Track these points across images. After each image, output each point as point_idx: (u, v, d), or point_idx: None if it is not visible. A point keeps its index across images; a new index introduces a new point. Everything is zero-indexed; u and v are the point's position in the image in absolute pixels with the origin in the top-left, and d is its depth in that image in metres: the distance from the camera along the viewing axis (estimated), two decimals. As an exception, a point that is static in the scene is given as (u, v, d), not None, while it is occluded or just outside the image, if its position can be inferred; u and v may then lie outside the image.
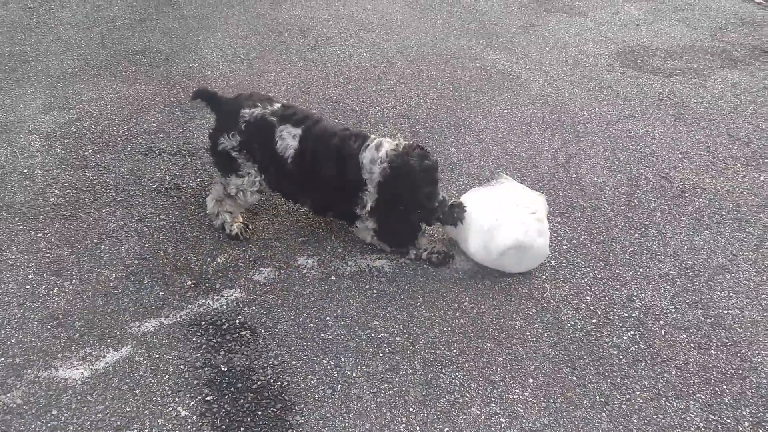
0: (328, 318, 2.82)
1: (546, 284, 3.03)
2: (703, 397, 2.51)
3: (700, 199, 3.63)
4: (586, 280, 3.06)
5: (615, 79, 4.99)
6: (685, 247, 3.28)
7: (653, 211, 3.53)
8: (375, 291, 2.96)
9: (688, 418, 2.43)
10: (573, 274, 3.09)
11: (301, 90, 4.70)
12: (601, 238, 3.33)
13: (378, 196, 2.97)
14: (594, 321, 2.84)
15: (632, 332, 2.79)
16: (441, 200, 3.03)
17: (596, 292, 2.99)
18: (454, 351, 2.68)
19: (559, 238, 3.32)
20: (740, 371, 2.63)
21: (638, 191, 3.66)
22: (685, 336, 2.78)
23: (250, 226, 3.28)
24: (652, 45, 5.62)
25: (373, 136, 3.04)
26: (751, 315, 2.89)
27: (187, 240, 3.24)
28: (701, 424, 2.41)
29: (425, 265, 3.11)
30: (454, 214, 3.02)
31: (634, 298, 2.96)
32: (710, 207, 3.57)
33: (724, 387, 2.56)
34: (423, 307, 2.89)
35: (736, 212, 3.53)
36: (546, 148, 4.07)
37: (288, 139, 3.00)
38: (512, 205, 3.03)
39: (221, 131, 3.09)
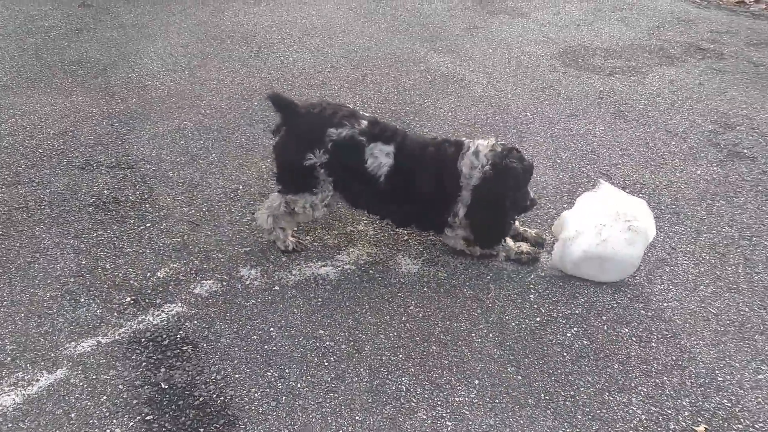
0: (271, 329, 2.77)
1: (491, 285, 3.04)
2: (645, 390, 2.55)
3: (640, 195, 3.69)
4: (530, 278, 3.08)
5: (557, 79, 5.07)
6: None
7: (595, 207, 3.58)
8: (320, 299, 2.93)
9: (630, 411, 2.46)
10: (517, 273, 3.11)
11: (244, 97, 4.64)
12: (545, 236, 3.35)
13: (471, 200, 2.98)
14: (538, 319, 2.86)
15: (576, 329, 2.82)
16: (533, 199, 3.11)
17: (540, 291, 3.01)
18: (400, 356, 2.66)
19: (503, 238, 3.33)
20: (680, 362, 2.67)
21: (580, 189, 3.71)
22: (627, 330, 2.82)
23: (301, 239, 3.25)
24: (592, 44, 5.73)
25: (466, 140, 3.02)
26: (690, 306, 2.95)
27: (126, 255, 3.16)
28: (643, 417, 2.44)
29: (515, 264, 3.17)
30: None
31: (577, 294, 3.00)
32: (650, 202, 3.62)
33: (665, 378, 2.60)
34: (369, 313, 2.87)
35: (674, 206, 3.61)
36: (490, 149, 4.08)
37: (381, 158, 2.95)
38: (612, 214, 2.99)
39: (306, 147, 2.95)
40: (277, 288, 2.99)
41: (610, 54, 5.54)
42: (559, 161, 4.00)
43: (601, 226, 2.98)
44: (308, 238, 3.30)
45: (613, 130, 4.37)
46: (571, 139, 4.25)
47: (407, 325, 2.81)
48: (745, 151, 4.15)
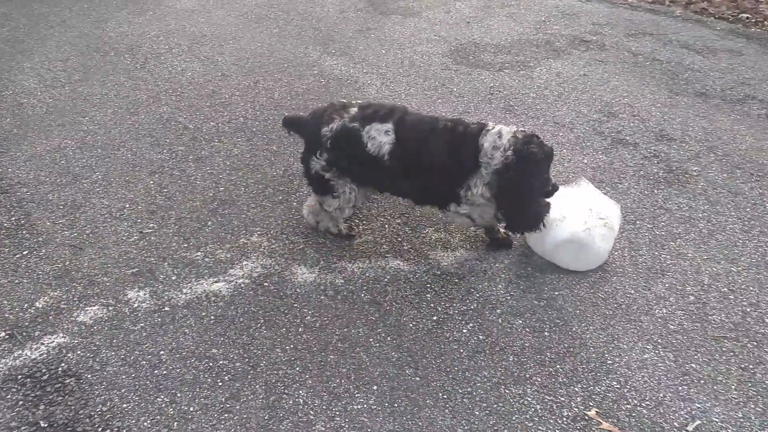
0: (162, 352, 2.66)
1: (388, 287, 3.03)
2: (539, 380, 2.60)
3: (531, 187, 3.78)
4: (426, 278, 3.09)
5: (449, 77, 5.13)
6: (518, 234, 3.40)
7: (488, 202, 3.64)
8: (212, 317, 2.83)
9: (525, 403, 2.50)
10: (414, 274, 3.11)
11: (129, 111, 4.45)
12: (439, 234, 3.38)
13: (498, 187, 2.88)
14: (435, 318, 2.87)
15: (471, 324, 2.84)
16: (554, 184, 3.05)
17: (436, 289, 3.03)
18: (297, 369, 2.61)
19: (399, 238, 3.33)
20: (572, 349, 2.74)
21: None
22: (520, 321, 2.87)
23: (353, 226, 3.36)
24: (482, 41, 5.84)
25: (490, 123, 2.99)
26: (580, 293, 3.04)
27: (1, 286, 2.95)
28: (538, 407, 2.48)
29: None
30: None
31: (473, 290, 3.03)
32: (540, 193, 3.73)
33: (558, 367, 2.66)
34: (264, 327, 2.80)
35: (563, 196, 3.71)
36: (385, 150, 4.08)
37: (380, 137, 2.92)
38: (585, 208, 3.12)
39: (309, 153, 3.06)
40: (167, 309, 2.87)
41: (500, 50, 5.66)
42: (452, 158, 4.04)
43: (589, 213, 3.10)
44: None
45: (503, 124, 4.43)
46: (464, 135, 4.29)
47: (304, 336, 2.76)
48: (628, 137, 4.32)
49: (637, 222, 3.50)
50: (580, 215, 3.11)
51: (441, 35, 5.94)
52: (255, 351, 2.68)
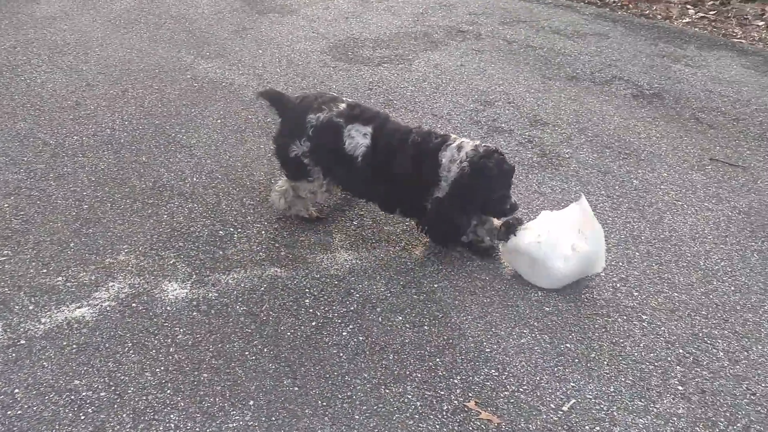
0: (16, 391, 2.45)
1: (264, 296, 2.93)
2: (419, 375, 2.58)
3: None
4: (305, 283, 3.02)
5: (328, 74, 5.06)
6: (398, 229, 3.38)
7: (368, 199, 3.60)
8: (74, 346, 2.65)
9: (406, 400, 2.47)
10: (292, 280, 3.03)
11: (-19, 130, 4.12)
12: (318, 236, 3.31)
13: (449, 191, 2.96)
14: (314, 323, 2.80)
15: (351, 326, 2.79)
16: (513, 204, 3.04)
17: (315, 294, 2.96)
18: (168, 391, 2.47)
19: (277, 244, 3.24)
20: (451, 341, 2.74)
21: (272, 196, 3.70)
22: (400, 318, 2.85)
23: (322, 209, 3.40)
24: (361, 36, 5.80)
25: (454, 136, 3.06)
26: (459, 283, 3.05)
27: None
28: (418, 403, 2.46)
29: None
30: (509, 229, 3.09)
31: (352, 291, 2.98)
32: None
33: (437, 360, 2.65)
34: (132, 351, 2.64)
35: (441, 187, 3.72)
36: (261, 154, 3.98)
37: (358, 138, 3.01)
38: (571, 228, 2.97)
39: (290, 137, 3.11)
40: (23, 342, 2.66)
41: (379, 44, 5.65)
42: (332, 157, 3.97)
43: (548, 231, 2.98)
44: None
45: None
46: (343, 133, 4.24)
47: (175, 356, 2.63)
48: (503, 125, 4.40)
49: (513, 208, 3.55)
50: (539, 228, 3.02)
51: (319, 32, 5.87)
52: (122, 378, 2.52)
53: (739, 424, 2.44)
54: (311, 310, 2.87)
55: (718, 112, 4.72)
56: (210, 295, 2.93)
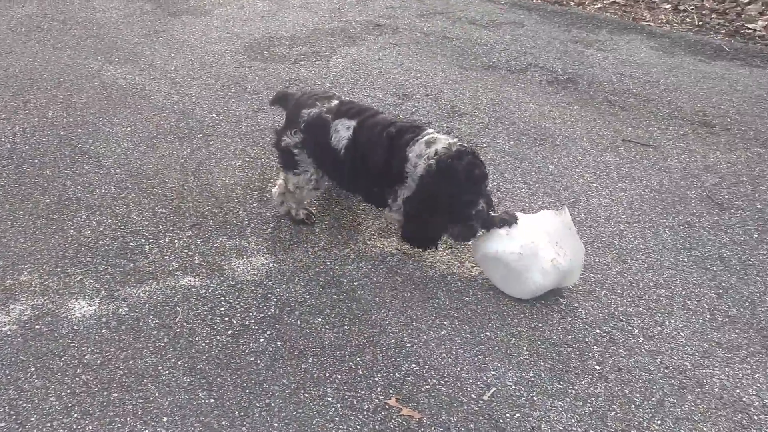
0: None
1: (178, 307, 2.83)
2: (339, 377, 2.54)
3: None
4: (220, 290, 2.93)
5: (243, 75, 4.95)
6: (317, 229, 3.33)
7: (285, 200, 3.53)
8: (-29, 376, 2.49)
9: (326, 403, 2.43)
10: (206, 288, 2.94)
11: None
12: (234, 242, 3.22)
13: (416, 189, 2.87)
14: (230, 332, 2.72)
15: (269, 332, 2.73)
16: (479, 210, 2.84)
17: (231, 301, 2.88)
18: (75, 415, 2.36)
19: (190, 252, 3.14)
20: (371, 338, 2.71)
21: (270, 184, 3.63)
22: (320, 319, 2.79)
23: (314, 213, 3.38)
24: (277, 34, 5.71)
25: (430, 130, 2.96)
26: (379, 279, 3.02)
27: None
28: (338, 405, 2.42)
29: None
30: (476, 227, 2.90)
31: (269, 295, 2.91)
32: (337, 184, 3.68)
33: (358, 359, 2.61)
34: (35, 377, 2.50)
35: (359, 183, 3.68)
36: (174, 160, 3.85)
37: (342, 131, 3.03)
38: (548, 240, 2.86)
39: (285, 129, 3.21)
40: None
41: (295, 42, 5.56)
42: (248, 159, 3.89)
43: (531, 242, 2.85)
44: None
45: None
46: (259, 134, 4.16)
47: (83, 377, 2.50)
48: (422, 117, 4.39)
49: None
50: (523, 238, 2.87)
51: (234, 32, 5.74)
52: (24, 405, 2.39)
53: (653, 399, 2.49)
54: (227, 319, 2.79)
55: (629, 93, 4.84)
56: (120, 310, 2.81)
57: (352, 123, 3.04)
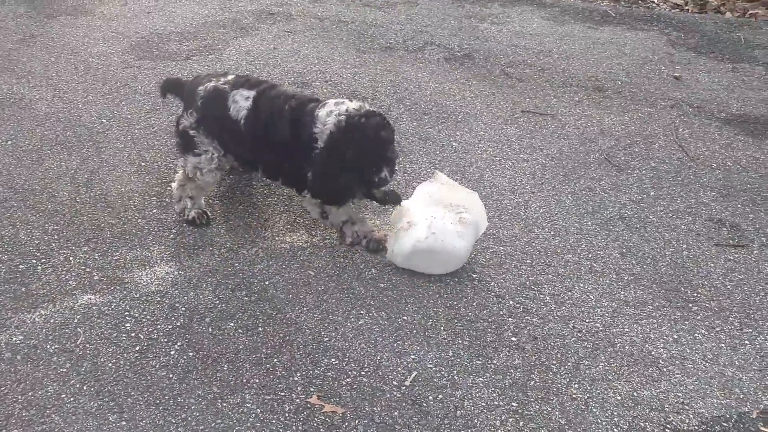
0: None
1: (79, 328, 2.67)
2: (257, 381, 2.46)
3: (230, 177, 3.60)
4: (124, 305, 2.78)
5: (132, 75, 4.72)
6: (221, 230, 3.21)
7: (187, 203, 3.38)
8: None
9: (245, 410, 2.35)
10: (108, 305, 2.78)
11: None
12: (134, 252, 3.06)
13: (325, 143, 2.81)
14: (137, 348, 2.59)
15: (179, 343, 2.61)
16: (383, 177, 2.79)
17: (136, 315, 2.74)
18: (-29, 460, 2.18)
19: (88, 268, 2.96)
20: (287, 337, 2.65)
21: (169, 188, 3.46)
22: (232, 324, 2.70)
23: (209, 213, 3.22)
24: (165, 30, 5.47)
25: (332, 100, 2.93)
26: (291, 276, 2.95)
27: None
28: (258, 411, 2.35)
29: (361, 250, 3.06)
30: (389, 197, 2.89)
31: (176, 305, 2.79)
32: (240, 181, 3.57)
33: (275, 360, 2.54)
34: None
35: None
36: (63, 172, 3.62)
37: (241, 102, 2.98)
38: (445, 205, 2.89)
39: (183, 112, 3.13)
40: None
41: (186, 36, 5.35)
42: (144, 164, 3.71)
43: (432, 218, 2.84)
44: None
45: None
46: (154, 137, 3.97)
47: (-22, 417, 2.32)
48: (322, 105, 4.30)
49: (339, 188, 3.49)
50: (425, 221, 2.87)
51: (119, 31, 5.45)
52: None
53: (569, 363, 2.55)
54: (133, 334, 2.65)
55: (525, 65, 4.93)
56: (14, 339, 2.62)
57: (251, 93, 3.01)
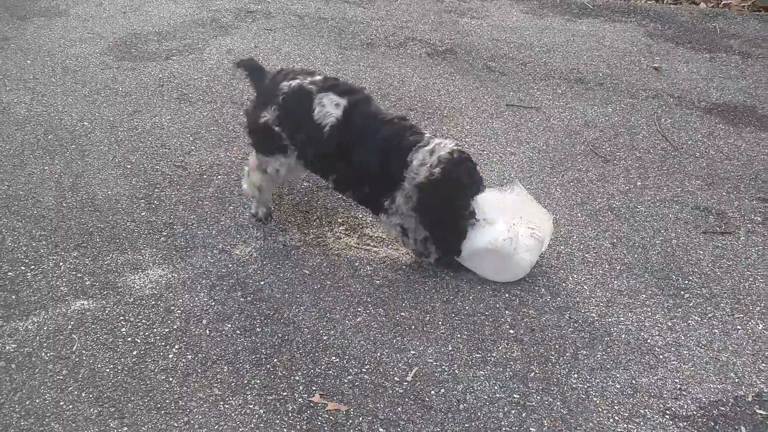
0: None
1: (73, 335, 2.63)
2: (258, 381, 2.45)
3: (219, 176, 3.57)
4: (118, 310, 2.75)
5: (111, 77, 4.65)
6: (213, 231, 3.19)
7: (176, 205, 3.35)
8: None
9: (248, 411, 2.34)
10: (102, 310, 2.75)
11: None
12: (126, 256, 3.03)
13: (419, 199, 2.76)
14: (135, 353, 2.56)
15: (177, 346, 2.59)
16: (471, 211, 2.82)
17: (132, 319, 2.71)
18: (-29, 472, 2.14)
19: (79, 274, 2.92)
20: (286, 337, 2.63)
21: (156, 190, 3.44)
22: (229, 325, 2.68)
23: (272, 213, 3.24)
24: (143, 30, 5.40)
25: (428, 135, 2.84)
26: (285, 275, 2.94)
27: None
28: (261, 411, 2.34)
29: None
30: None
31: (172, 308, 2.76)
32: (228, 181, 3.55)
33: (275, 360, 2.53)
34: None
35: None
36: (47, 177, 3.56)
37: (329, 107, 2.82)
38: (514, 215, 2.87)
39: (262, 106, 2.95)
40: None
41: (165, 36, 5.29)
42: (129, 166, 3.66)
43: (512, 223, 2.81)
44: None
45: (179, 116, 4.16)
46: (138, 138, 3.92)
47: (-26, 428, 2.27)
48: (307, 102, 4.28)
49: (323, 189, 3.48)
50: (505, 223, 2.84)
51: (95, 32, 5.37)
52: None
53: (567, 353, 2.57)
54: (129, 339, 2.62)
55: (506, 58, 4.95)
56: (7, 348, 2.57)
57: (343, 101, 2.84)
